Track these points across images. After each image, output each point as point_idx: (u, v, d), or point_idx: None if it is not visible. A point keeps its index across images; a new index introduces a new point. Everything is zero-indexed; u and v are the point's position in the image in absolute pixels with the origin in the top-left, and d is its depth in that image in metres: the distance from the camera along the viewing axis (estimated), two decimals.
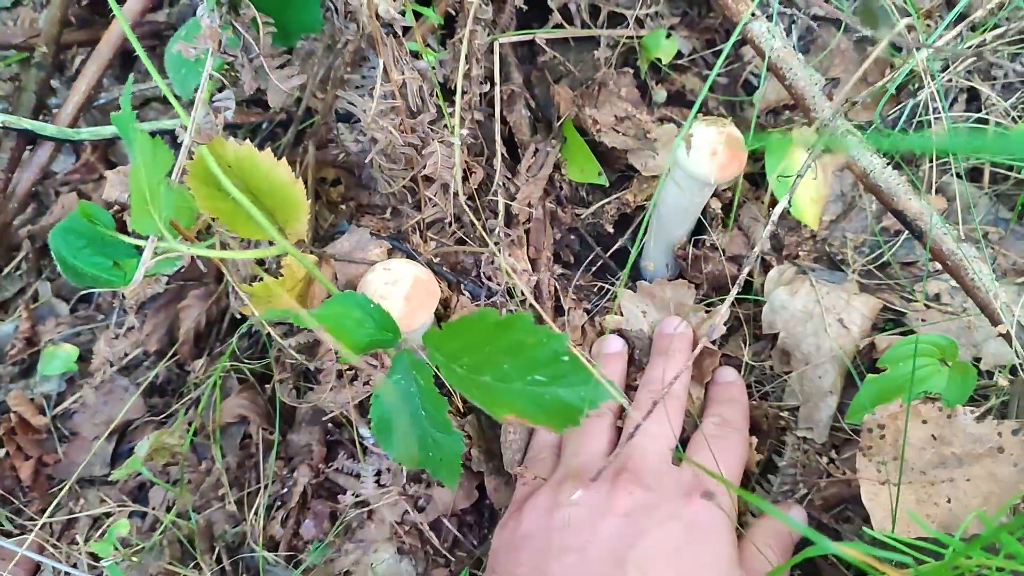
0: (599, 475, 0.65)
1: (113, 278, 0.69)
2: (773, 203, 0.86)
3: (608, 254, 0.91)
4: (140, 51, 0.64)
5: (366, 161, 0.78)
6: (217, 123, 0.66)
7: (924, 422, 0.65)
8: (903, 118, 0.85)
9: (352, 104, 0.74)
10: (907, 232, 0.82)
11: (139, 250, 0.64)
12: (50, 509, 0.86)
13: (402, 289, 0.70)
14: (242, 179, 0.66)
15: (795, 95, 0.72)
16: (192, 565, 0.85)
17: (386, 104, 0.72)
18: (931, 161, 0.84)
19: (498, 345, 0.55)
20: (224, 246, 0.71)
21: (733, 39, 0.70)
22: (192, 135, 0.64)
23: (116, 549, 0.82)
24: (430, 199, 0.84)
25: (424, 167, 0.80)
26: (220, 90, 0.71)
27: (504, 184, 0.87)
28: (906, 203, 0.67)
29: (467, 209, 0.85)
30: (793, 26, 0.88)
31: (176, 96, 0.67)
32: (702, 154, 0.74)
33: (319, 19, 0.72)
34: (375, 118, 0.73)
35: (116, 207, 0.79)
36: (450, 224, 0.87)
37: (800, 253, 0.85)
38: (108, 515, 0.87)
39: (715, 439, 0.71)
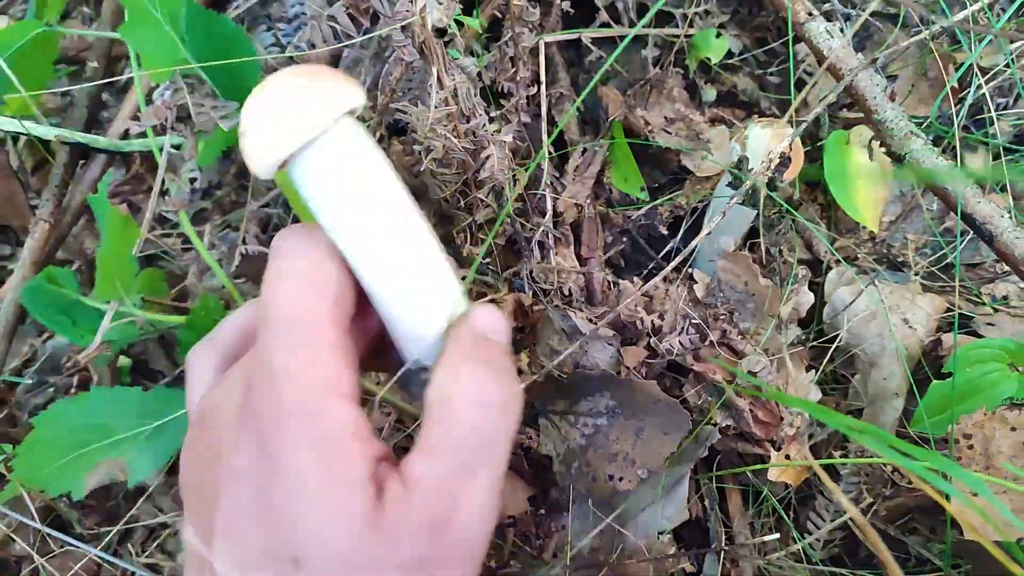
0: None
1: (72, 336, 0.73)
2: (830, 204, 0.84)
3: (660, 256, 0.89)
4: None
5: (421, 169, 0.78)
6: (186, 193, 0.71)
7: (1013, 429, 0.63)
8: (962, 115, 0.83)
9: (405, 113, 0.74)
10: (972, 233, 0.80)
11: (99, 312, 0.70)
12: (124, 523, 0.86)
13: None
14: None
15: (855, 96, 0.70)
16: None
17: (441, 111, 0.72)
18: (994, 158, 0.81)
19: None
20: None
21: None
22: (153, 211, 0.72)
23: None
24: (482, 201, 0.84)
25: (481, 169, 0.79)
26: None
27: (552, 183, 0.86)
28: (975, 206, 0.65)
29: (516, 210, 0.84)
30: (848, 22, 0.86)
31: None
32: (758, 156, 0.73)
33: None
34: (432, 126, 0.72)
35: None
36: (500, 225, 0.87)
37: (859, 255, 0.83)
38: (164, 526, 0.87)
39: None
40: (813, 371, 0.79)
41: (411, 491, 0.37)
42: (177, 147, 0.76)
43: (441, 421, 0.38)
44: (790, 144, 0.68)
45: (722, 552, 0.74)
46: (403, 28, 0.66)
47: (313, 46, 0.82)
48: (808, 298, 0.79)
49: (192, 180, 0.80)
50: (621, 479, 0.69)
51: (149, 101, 0.92)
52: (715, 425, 0.73)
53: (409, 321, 0.41)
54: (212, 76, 0.74)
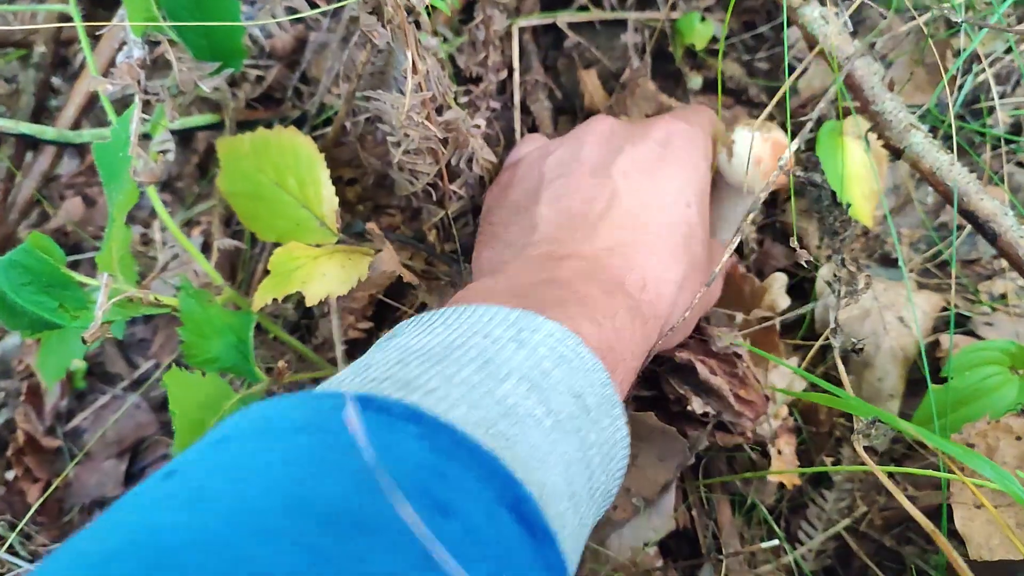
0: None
1: (57, 320, 0.62)
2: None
3: None
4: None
5: (394, 162, 0.73)
6: (156, 166, 0.62)
7: (1018, 438, 0.60)
8: (959, 102, 0.80)
9: (380, 101, 0.69)
10: (968, 228, 0.76)
11: (85, 288, 0.61)
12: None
13: None
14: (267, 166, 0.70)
15: (851, 86, 0.66)
16: None
17: (417, 98, 0.67)
18: (993, 148, 0.78)
19: None
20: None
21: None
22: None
23: None
24: (455, 193, 0.79)
25: (458, 157, 0.75)
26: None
27: None
28: (977, 203, 0.61)
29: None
30: (841, 5, 0.82)
31: None
32: (745, 162, 0.69)
33: (240, 52, 0.71)
34: (408, 113, 0.67)
35: None
36: (475, 218, 0.83)
37: (852, 250, 0.79)
38: None
39: None
40: (796, 358, 0.75)
41: None
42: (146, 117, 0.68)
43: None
44: (792, 153, 0.64)
45: (717, 562, 0.71)
46: (373, 11, 0.61)
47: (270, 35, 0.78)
48: (783, 295, 0.75)
49: (164, 152, 0.71)
50: (616, 508, 0.65)
51: (107, 74, 0.86)
52: (695, 415, 0.69)
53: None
54: (187, 37, 0.67)
